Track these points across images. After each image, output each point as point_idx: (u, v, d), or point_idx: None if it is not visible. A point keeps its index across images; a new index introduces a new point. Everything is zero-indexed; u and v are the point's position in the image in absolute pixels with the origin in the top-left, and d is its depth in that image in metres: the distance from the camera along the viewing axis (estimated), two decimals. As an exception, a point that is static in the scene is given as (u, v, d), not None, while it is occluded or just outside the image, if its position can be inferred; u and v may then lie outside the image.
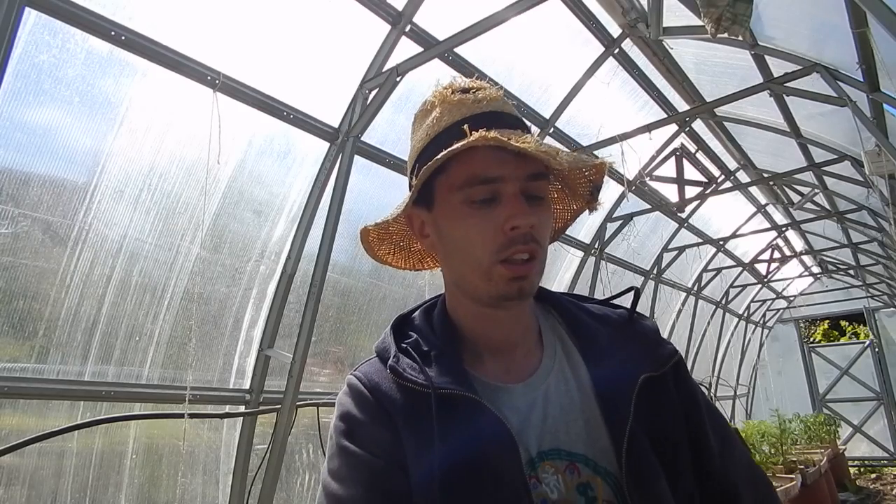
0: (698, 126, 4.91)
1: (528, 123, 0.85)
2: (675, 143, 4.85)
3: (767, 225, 6.98)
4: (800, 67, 3.13)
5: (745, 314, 9.77)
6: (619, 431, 0.71)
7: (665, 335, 0.86)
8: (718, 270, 7.68)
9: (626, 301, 0.90)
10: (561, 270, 5.36)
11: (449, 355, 0.77)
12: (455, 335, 0.80)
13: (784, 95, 3.67)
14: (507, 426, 0.70)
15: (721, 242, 7.11)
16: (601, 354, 0.79)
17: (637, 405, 0.73)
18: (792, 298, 10.65)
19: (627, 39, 3.67)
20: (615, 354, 0.78)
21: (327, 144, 3.09)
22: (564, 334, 0.83)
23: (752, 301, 9.70)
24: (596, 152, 4.43)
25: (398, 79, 2.76)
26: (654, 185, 5.11)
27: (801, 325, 11.22)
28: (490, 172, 0.72)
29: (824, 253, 8.21)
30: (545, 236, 0.75)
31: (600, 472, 0.72)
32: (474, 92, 0.79)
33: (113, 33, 2.20)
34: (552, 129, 4.06)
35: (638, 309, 0.87)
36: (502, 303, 0.76)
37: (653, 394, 0.75)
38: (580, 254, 5.33)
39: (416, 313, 0.86)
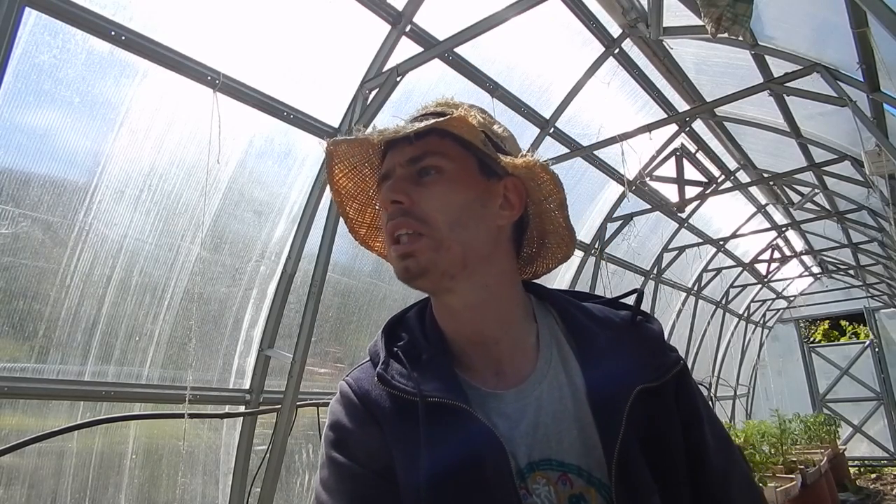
0: (698, 126, 4.91)
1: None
2: (675, 143, 4.85)
3: (767, 225, 6.98)
4: (800, 67, 3.13)
5: (745, 314, 9.77)
6: (611, 443, 0.68)
7: (665, 335, 0.83)
8: (718, 270, 7.67)
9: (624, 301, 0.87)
10: (561, 271, 5.35)
11: (439, 359, 0.75)
12: (443, 336, 0.79)
13: (784, 95, 3.67)
14: (497, 435, 0.68)
15: (721, 242, 7.11)
16: (598, 360, 0.75)
17: (630, 416, 0.69)
18: (792, 298, 10.64)
19: (627, 39, 3.67)
20: (613, 361, 0.74)
21: (327, 144, 3.08)
22: (562, 337, 0.79)
23: (752, 301, 9.70)
24: (596, 153, 4.44)
25: (398, 79, 2.76)
26: (654, 185, 5.11)
27: (802, 325, 11.22)
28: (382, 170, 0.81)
29: (824, 253, 8.20)
30: (431, 208, 0.73)
31: (594, 483, 0.69)
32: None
33: (113, 33, 2.20)
34: (552, 129, 4.06)
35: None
36: (415, 287, 0.76)
37: (650, 405, 0.72)
38: (580, 254, 5.32)
39: (411, 313, 0.84)
